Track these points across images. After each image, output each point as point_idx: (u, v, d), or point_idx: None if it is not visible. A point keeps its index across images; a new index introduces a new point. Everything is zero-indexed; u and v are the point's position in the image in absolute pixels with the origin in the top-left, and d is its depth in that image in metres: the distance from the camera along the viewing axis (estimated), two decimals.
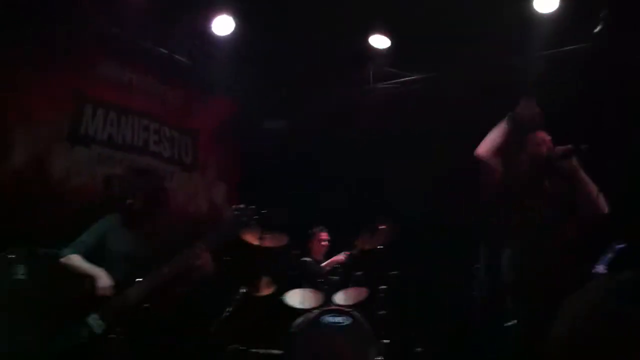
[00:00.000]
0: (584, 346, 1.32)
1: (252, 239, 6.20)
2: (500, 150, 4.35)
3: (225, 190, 8.14)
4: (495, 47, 7.11)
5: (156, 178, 4.61)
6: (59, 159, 6.25)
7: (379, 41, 7.16)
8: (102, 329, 4.00)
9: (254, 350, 5.93)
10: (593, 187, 4.01)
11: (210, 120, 8.15)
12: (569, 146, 4.01)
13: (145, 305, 4.07)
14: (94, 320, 4.03)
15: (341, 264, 6.61)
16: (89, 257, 4.23)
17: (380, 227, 6.42)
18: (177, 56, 7.33)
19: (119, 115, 6.88)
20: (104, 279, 4.09)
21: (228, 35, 6.87)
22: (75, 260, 4.20)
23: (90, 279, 4.11)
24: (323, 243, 6.90)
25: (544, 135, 4.32)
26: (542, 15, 6.43)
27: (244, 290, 6.13)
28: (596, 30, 6.56)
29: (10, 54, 5.81)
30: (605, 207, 4.00)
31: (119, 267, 4.18)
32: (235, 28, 6.80)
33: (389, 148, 7.67)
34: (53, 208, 5.88)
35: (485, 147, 4.34)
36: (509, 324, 4.11)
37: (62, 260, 4.24)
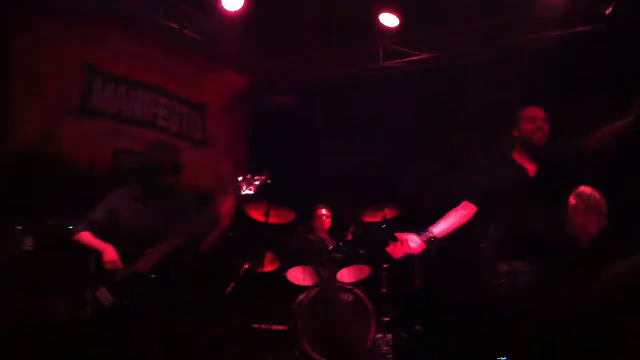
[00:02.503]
0: None
1: (257, 214, 6.26)
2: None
3: (233, 165, 8.18)
4: (507, 25, 7.12)
5: (176, 153, 4.61)
6: (69, 132, 6.30)
7: (389, 19, 7.15)
8: (109, 302, 4.08)
9: (257, 325, 6.01)
10: None
11: (219, 95, 8.17)
12: None
13: (152, 277, 4.14)
14: (102, 294, 4.10)
15: (347, 241, 6.63)
16: (100, 232, 4.29)
17: (383, 205, 6.46)
18: (187, 30, 7.33)
19: (128, 88, 6.91)
20: (111, 252, 4.15)
21: (238, 10, 6.87)
22: (85, 236, 4.26)
23: (99, 253, 4.18)
24: (324, 219, 6.92)
25: None
26: None
27: (248, 266, 6.19)
28: (608, 11, 6.54)
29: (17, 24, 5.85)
30: None
31: (129, 241, 4.23)
32: (245, 3, 6.80)
33: (397, 126, 7.68)
34: (62, 180, 5.93)
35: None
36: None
37: (73, 237, 4.30)
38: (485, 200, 4.28)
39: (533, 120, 4.25)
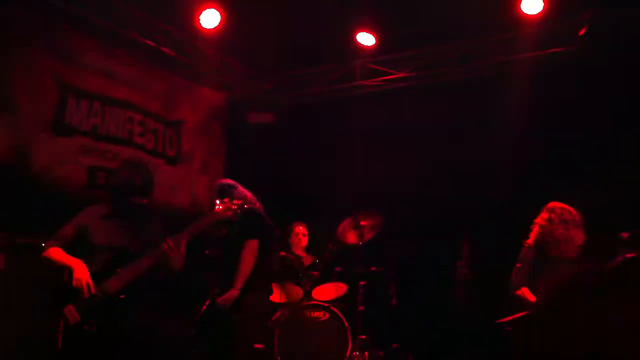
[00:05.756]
0: None
1: None
2: None
3: (208, 183, 8.14)
4: (482, 46, 7.19)
5: (147, 172, 4.57)
6: (42, 149, 6.23)
7: (365, 39, 7.20)
8: (76, 320, 4.00)
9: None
10: None
11: (195, 113, 8.14)
12: None
13: (122, 296, 4.08)
14: (69, 312, 4.02)
15: (323, 259, 6.59)
16: (70, 249, 4.23)
17: (362, 223, 6.42)
18: (162, 47, 7.30)
19: (103, 105, 6.85)
20: (80, 269, 4.08)
21: (214, 28, 6.88)
22: (55, 252, 4.20)
23: (68, 270, 4.11)
24: (301, 237, 6.89)
25: None
26: (528, 16, 6.49)
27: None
28: (581, 33, 6.63)
29: None
30: None
31: (100, 259, 4.18)
32: (222, 21, 6.81)
33: (373, 144, 7.70)
34: (35, 198, 5.86)
35: None
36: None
37: (43, 253, 4.23)
38: None
39: None
